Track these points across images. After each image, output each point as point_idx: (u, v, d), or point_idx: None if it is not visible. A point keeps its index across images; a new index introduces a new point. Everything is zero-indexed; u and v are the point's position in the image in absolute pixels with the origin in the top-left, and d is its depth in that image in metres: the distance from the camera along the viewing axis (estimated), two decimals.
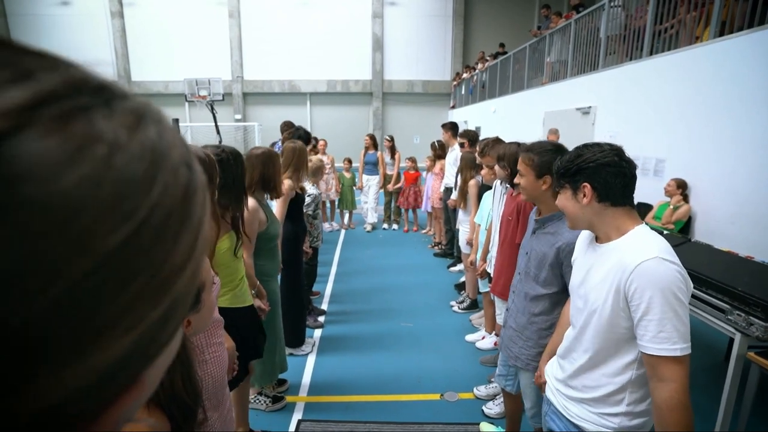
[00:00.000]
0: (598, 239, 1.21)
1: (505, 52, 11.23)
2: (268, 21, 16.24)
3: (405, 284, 4.75)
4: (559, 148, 1.72)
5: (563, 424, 1.25)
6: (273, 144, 5.23)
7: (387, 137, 7.07)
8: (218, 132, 14.26)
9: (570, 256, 1.54)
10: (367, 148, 7.03)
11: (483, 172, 2.86)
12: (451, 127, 5.27)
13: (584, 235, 1.30)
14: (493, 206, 2.77)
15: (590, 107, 6.59)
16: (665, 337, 0.99)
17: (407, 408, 2.55)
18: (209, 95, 13.45)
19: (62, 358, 0.17)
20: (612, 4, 6.27)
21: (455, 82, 16.54)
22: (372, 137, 7.11)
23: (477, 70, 13.75)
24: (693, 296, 2.33)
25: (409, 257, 5.82)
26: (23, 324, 0.15)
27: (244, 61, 16.45)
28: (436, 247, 6.18)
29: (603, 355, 1.15)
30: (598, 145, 1.15)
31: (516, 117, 10.12)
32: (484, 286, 3.23)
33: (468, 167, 3.52)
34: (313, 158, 3.34)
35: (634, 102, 5.54)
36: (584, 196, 1.14)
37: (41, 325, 0.16)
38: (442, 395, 2.67)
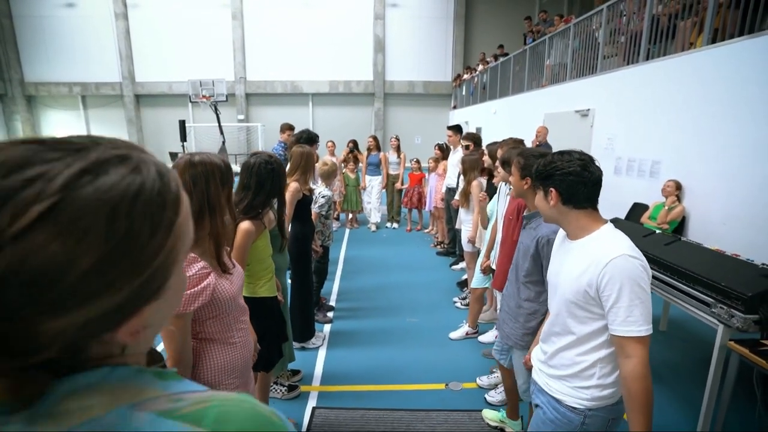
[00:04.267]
0: (568, 236, 1.40)
1: (506, 54, 11.38)
2: (271, 22, 16.40)
3: (409, 282, 4.92)
4: (543, 155, 1.91)
5: (546, 398, 1.43)
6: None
7: (394, 137, 7.23)
8: (222, 132, 14.46)
9: (546, 248, 1.77)
10: (369, 150, 7.20)
11: (496, 177, 3.02)
12: (458, 129, 5.43)
13: (561, 232, 1.48)
14: (497, 206, 2.93)
15: (589, 110, 6.75)
16: (632, 321, 1.17)
17: (415, 396, 2.72)
18: (213, 96, 13.62)
19: (89, 297, 0.34)
20: (610, 9, 6.43)
21: (456, 83, 16.70)
22: (375, 138, 7.28)
23: (477, 72, 13.90)
24: (681, 291, 2.50)
25: (413, 256, 5.99)
26: (79, 275, 0.32)
27: (246, 62, 16.61)
28: (439, 246, 6.34)
29: (576, 338, 1.33)
30: (569, 153, 1.32)
31: (517, 118, 10.27)
32: (476, 283, 3.40)
33: (471, 169, 3.68)
34: (328, 162, 3.49)
35: (631, 105, 5.70)
36: (551, 198, 1.33)
37: (82, 279, 0.33)
38: (446, 385, 2.84)
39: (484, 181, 3.80)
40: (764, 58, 3.87)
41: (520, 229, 2.27)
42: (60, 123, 17.23)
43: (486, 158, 3.42)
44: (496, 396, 2.64)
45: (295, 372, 2.91)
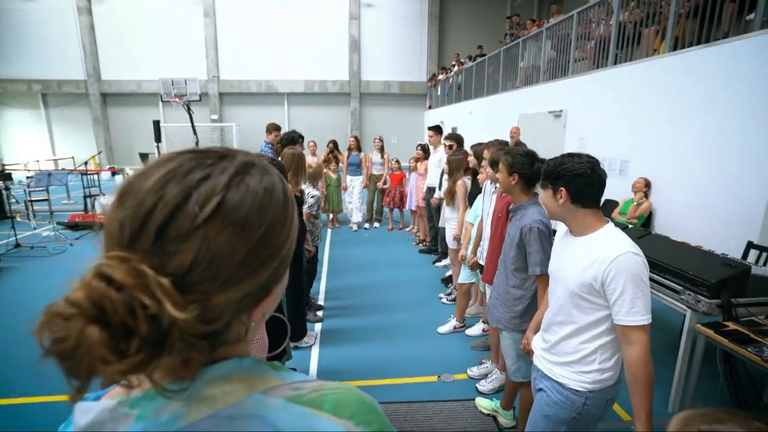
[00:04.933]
0: (571, 232, 1.51)
1: (483, 54, 11.65)
2: (244, 20, 16.13)
3: (395, 280, 5.02)
4: (529, 154, 2.06)
5: (549, 383, 1.55)
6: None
7: (378, 138, 7.30)
8: (195, 132, 14.10)
9: (529, 234, 1.94)
10: (350, 150, 7.25)
11: (481, 176, 3.16)
12: (438, 130, 5.56)
13: (561, 228, 1.61)
14: (483, 205, 3.07)
15: (561, 111, 7.05)
16: (635, 311, 1.29)
17: (409, 389, 2.82)
18: (186, 95, 13.27)
19: (242, 277, 0.41)
20: (581, 15, 6.74)
21: (431, 83, 16.93)
22: (356, 138, 7.34)
23: (452, 72, 14.15)
24: (652, 280, 2.71)
25: (396, 254, 6.09)
26: (242, 256, 0.41)
27: (220, 60, 16.27)
28: (421, 245, 6.48)
29: (578, 327, 1.45)
30: (578, 155, 1.44)
31: (492, 118, 10.55)
32: (463, 279, 3.54)
33: (457, 169, 3.81)
34: (312, 164, 3.54)
35: (601, 107, 6.01)
36: (560, 197, 1.44)
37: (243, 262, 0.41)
38: (439, 377, 2.96)
39: (468, 180, 3.94)
40: (718, 66, 4.19)
41: (507, 226, 2.41)
42: (19, 122, 16.34)
43: (471, 158, 3.56)
44: (486, 385, 2.78)
45: (292, 370, 2.95)
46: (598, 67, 6.24)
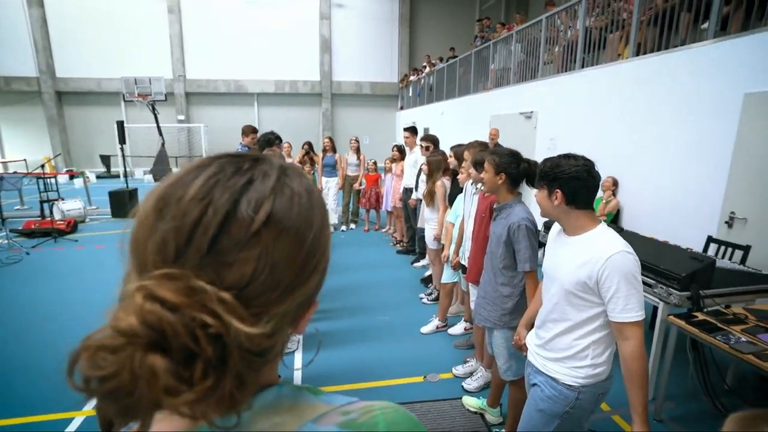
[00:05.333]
0: (565, 231, 1.55)
1: (456, 56, 11.82)
2: (211, 18, 15.68)
3: (374, 281, 5.01)
4: (514, 154, 2.10)
5: (543, 378, 1.59)
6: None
7: (353, 139, 7.26)
8: (161, 133, 13.62)
9: (518, 232, 1.98)
10: (325, 151, 7.18)
11: (461, 177, 3.19)
12: (414, 131, 5.59)
13: (555, 227, 1.65)
14: (464, 205, 3.11)
15: (532, 112, 7.26)
16: (630, 308, 1.34)
17: (395, 390, 2.82)
18: (150, 95, 12.77)
19: (298, 285, 0.39)
20: (550, 20, 6.96)
21: (402, 84, 17.04)
22: (330, 140, 7.28)
23: (424, 73, 14.30)
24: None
25: (374, 256, 6.09)
26: (301, 261, 0.39)
27: (186, 59, 15.73)
28: (398, 245, 6.50)
29: (572, 324, 1.49)
30: (574, 157, 1.47)
31: (464, 119, 10.73)
32: (446, 279, 3.58)
33: (437, 170, 3.85)
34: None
35: (571, 108, 6.23)
36: (555, 198, 1.47)
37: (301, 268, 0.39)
38: (425, 377, 2.97)
39: (447, 181, 3.99)
40: (677, 71, 4.44)
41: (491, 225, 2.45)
42: None
43: (451, 159, 3.60)
44: (472, 383, 2.81)
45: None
46: (566, 71, 6.47)
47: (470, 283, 2.76)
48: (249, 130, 5.05)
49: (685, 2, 4.51)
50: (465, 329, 3.61)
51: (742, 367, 2.91)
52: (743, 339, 2.20)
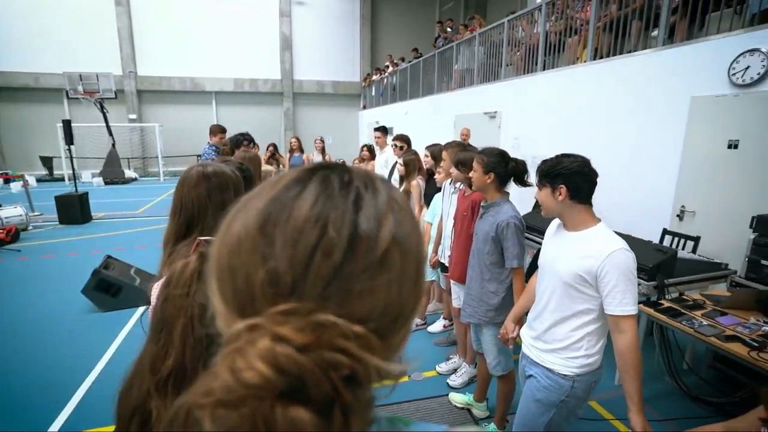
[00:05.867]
0: (565, 227, 1.62)
1: (420, 56, 11.95)
2: (164, 12, 14.90)
3: None
4: (502, 154, 2.16)
5: (539, 369, 1.64)
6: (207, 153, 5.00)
7: (319, 138, 7.16)
8: (111, 133, 12.83)
9: (506, 230, 2.04)
10: (292, 151, 7.05)
11: (438, 177, 3.23)
12: (385, 131, 5.60)
13: (553, 224, 1.71)
14: (443, 204, 3.15)
15: (496, 112, 7.48)
16: (626, 302, 1.42)
17: (380, 391, 2.81)
18: (98, 92, 11.97)
19: (413, 307, 0.36)
20: (511, 23, 7.20)
21: (365, 84, 17.04)
22: (298, 139, 7.15)
23: (387, 73, 14.36)
24: None
25: None
26: (410, 286, 0.35)
27: (137, 55, 14.86)
28: None
29: (568, 315, 1.56)
30: (573, 156, 1.55)
31: (428, 119, 10.87)
32: (426, 276, 3.62)
33: (414, 170, 3.87)
34: (264, 168, 3.39)
35: (533, 109, 6.47)
36: (560, 194, 1.53)
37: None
38: (409, 376, 2.98)
39: (422, 181, 4.02)
40: (630, 75, 4.73)
41: (474, 224, 2.51)
42: None
43: (428, 159, 3.63)
44: (457, 380, 2.86)
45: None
46: (528, 73, 6.72)
47: (453, 281, 2.80)
48: (217, 130, 4.87)
49: (636, 11, 4.82)
50: (444, 326, 3.66)
51: (698, 347, 3.17)
52: (705, 323, 2.39)
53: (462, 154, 2.51)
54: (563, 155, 1.55)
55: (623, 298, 1.41)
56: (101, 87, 12.07)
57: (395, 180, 4.82)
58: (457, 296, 2.84)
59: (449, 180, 3.10)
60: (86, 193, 7.97)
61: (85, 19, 14.22)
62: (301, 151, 7.07)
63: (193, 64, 15.38)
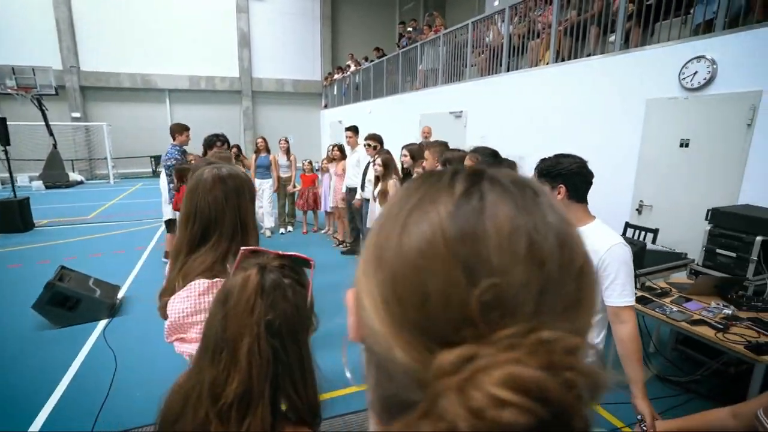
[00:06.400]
0: None
1: (383, 55, 11.96)
2: (109, 4, 13.95)
3: (324, 283, 4.80)
4: (494, 153, 2.21)
5: None
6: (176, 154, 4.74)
7: (283, 139, 6.98)
8: (51, 133, 11.86)
9: None
10: (258, 151, 6.84)
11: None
12: (356, 130, 5.56)
13: None
14: None
15: (462, 111, 7.64)
16: (626, 294, 1.49)
17: (357, 399, 2.78)
18: (36, 87, 11.01)
19: None
20: (476, 24, 7.38)
21: (326, 83, 16.86)
22: (264, 139, 6.94)
23: (350, 72, 14.29)
24: None
25: (318, 258, 5.80)
26: None
27: (79, 48, 13.81)
28: (341, 246, 6.43)
29: None
30: (572, 156, 1.59)
31: (393, 118, 10.91)
32: None
33: (391, 169, 3.87)
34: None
35: (498, 108, 6.67)
36: (559, 193, 1.58)
37: None
38: None
39: (397, 181, 4.03)
40: (591, 77, 5.00)
41: None
42: None
43: (406, 159, 3.64)
44: None
45: None
46: (493, 73, 6.92)
47: None
48: (180, 129, 4.64)
49: (594, 17, 5.09)
50: None
51: (663, 331, 3.39)
52: (674, 309, 2.56)
53: (450, 152, 2.54)
54: (562, 155, 1.61)
55: (623, 290, 1.48)
56: (38, 82, 11.11)
57: (370, 180, 4.81)
58: None
59: None
60: (27, 199, 7.31)
61: (17, 8, 13.03)
62: (268, 151, 6.87)
63: (144, 60, 14.52)
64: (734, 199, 3.63)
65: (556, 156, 1.61)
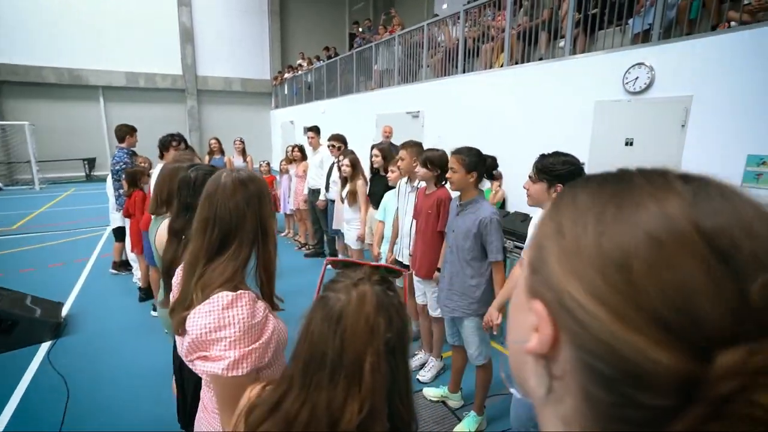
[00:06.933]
0: None
1: (336, 54, 11.84)
2: None
3: (291, 288, 4.66)
4: (479, 153, 2.26)
5: None
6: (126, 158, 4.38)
7: (238, 140, 6.70)
8: None
9: (489, 226, 2.14)
10: (212, 152, 6.51)
11: (392, 175, 3.23)
12: (318, 131, 5.46)
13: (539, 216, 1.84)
14: (399, 203, 3.17)
15: (419, 111, 7.76)
16: None
17: None
18: None
19: None
20: (431, 26, 7.52)
21: (276, 82, 16.41)
22: (218, 140, 6.62)
23: (301, 71, 14.01)
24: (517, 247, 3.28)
25: (282, 261, 5.68)
26: None
27: None
28: (304, 248, 6.29)
29: None
30: (570, 157, 1.68)
31: (348, 118, 10.84)
32: None
33: (360, 169, 3.83)
34: None
35: (455, 109, 6.85)
36: (555, 191, 1.65)
37: None
38: None
39: (365, 182, 4.01)
40: (543, 80, 5.28)
41: (443, 220, 2.58)
42: None
43: (377, 158, 3.63)
44: (426, 374, 2.91)
45: None
46: (448, 74, 7.09)
47: (419, 279, 2.84)
48: (128, 130, 4.31)
49: (545, 23, 5.39)
50: None
51: None
52: None
53: (431, 152, 2.56)
54: (560, 155, 1.68)
55: None
56: None
57: (335, 181, 4.75)
58: (422, 293, 2.90)
59: (404, 179, 3.15)
60: None
61: None
62: (222, 153, 6.55)
63: (72, 54, 13.26)
64: None
65: (556, 155, 1.69)
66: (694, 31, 4.09)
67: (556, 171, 1.66)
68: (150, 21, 14.21)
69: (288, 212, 6.71)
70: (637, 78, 4.32)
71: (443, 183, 2.65)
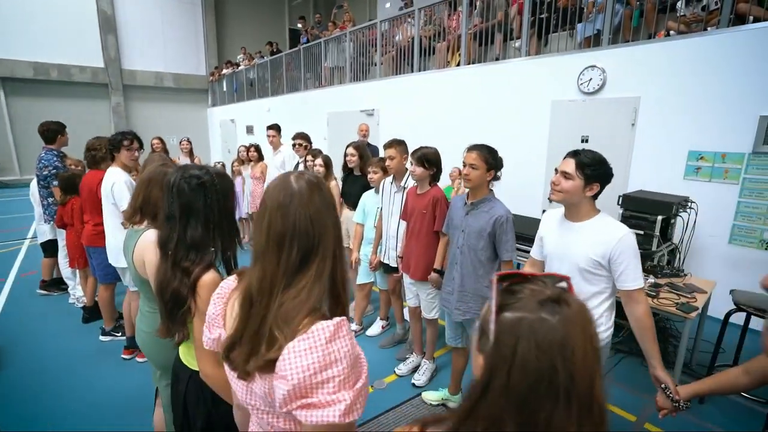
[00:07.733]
0: (570, 218, 1.75)
1: (279, 51, 11.35)
2: None
3: None
4: (494, 151, 2.23)
5: None
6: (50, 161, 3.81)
7: (185, 140, 6.16)
8: None
9: (506, 224, 2.13)
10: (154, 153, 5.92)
11: (374, 176, 3.11)
12: (278, 129, 5.17)
13: (554, 217, 1.83)
14: (382, 203, 3.07)
15: (374, 109, 7.68)
16: (638, 277, 1.63)
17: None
18: None
19: None
20: (383, 23, 7.45)
21: (213, 78, 15.44)
22: (161, 140, 6.03)
23: (242, 67, 13.30)
24: (520, 249, 3.33)
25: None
26: None
27: None
28: None
29: (585, 299, 1.69)
30: (604, 158, 1.67)
31: (296, 116, 10.45)
32: (363, 279, 3.49)
33: (332, 170, 3.66)
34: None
35: (411, 106, 6.86)
36: (590, 190, 1.67)
37: None
38: (372, 387, 2.84)
39: (337, 182, 3.85)
40: (501, 80, 5.45)
41: (440, 220, 2.52)
42: None
43: (352, 158, 3.48)
44: (421, 378, 2.84)
45: None
46: (402, 72, 7.08)
47: (412, 281, 2.76)
48: (62, 128, 3.77)
49: (499, 24, 5.56)
50: (382, 327, 3.60)
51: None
52: None
53: (426, 150, 2.49)
54: (601, 156, 1.68)
55: (635, 274, 1.63)
56: None
57: None
58: (415, 295, 2.83)
59: (389, 178, 3.05)
60: None
61: None
62: (166, 153, 5.97)
63: None
64: (625, 187, 4.31)
65: (599, 155, 1.69)
66: (638, 38, 4.44)
67: (598, 171, 1.67)
68: (62, 6, 12.63)
69: (243, 216, 6.31)
70: (590, 79, 4.59)
71: (437, 182, 2.59)
